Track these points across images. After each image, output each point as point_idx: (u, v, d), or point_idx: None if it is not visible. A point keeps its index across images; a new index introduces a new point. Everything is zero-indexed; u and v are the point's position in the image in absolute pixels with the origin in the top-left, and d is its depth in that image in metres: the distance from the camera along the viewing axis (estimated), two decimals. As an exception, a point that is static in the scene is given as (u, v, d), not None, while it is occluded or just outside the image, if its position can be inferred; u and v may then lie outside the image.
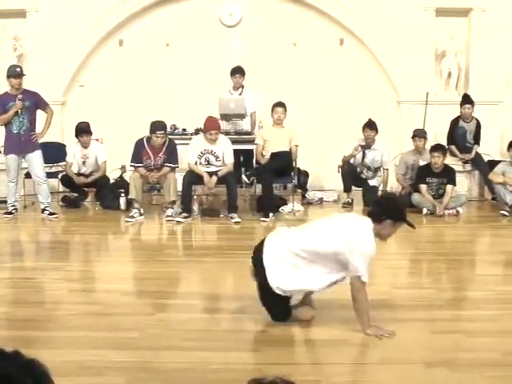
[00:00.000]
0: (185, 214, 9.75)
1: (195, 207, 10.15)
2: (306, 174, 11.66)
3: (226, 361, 4.43)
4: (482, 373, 4.23)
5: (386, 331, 4.85)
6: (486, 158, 11.81)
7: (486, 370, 4.25)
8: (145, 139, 10.06)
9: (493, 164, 11.16)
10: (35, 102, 9.95)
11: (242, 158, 10.85)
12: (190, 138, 10.45)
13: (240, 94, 11.19)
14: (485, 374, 4.21)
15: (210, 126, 9.87)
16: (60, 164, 11.34)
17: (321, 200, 11.39)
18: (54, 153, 11.34)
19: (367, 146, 10.99)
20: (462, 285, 6.65)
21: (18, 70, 9.91)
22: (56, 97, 12.33)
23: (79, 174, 10.97)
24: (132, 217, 9.74)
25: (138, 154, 10.06)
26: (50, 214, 10.04)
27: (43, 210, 10.06)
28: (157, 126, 9.92)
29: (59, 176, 11.27)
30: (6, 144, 10.01)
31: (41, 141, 10.10)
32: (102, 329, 5.07)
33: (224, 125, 10.83)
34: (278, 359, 4.48)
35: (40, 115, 10.17)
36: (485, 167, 11.47)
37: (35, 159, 10.02)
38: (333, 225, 5.16)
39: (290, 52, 12.65)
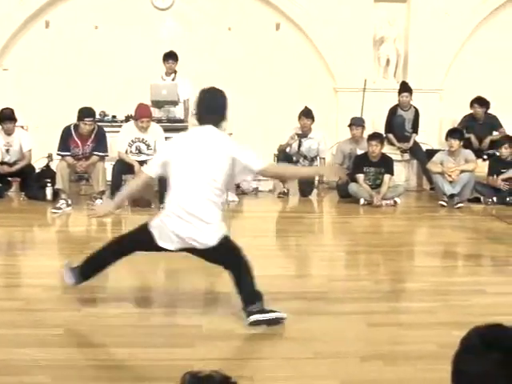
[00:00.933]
0: (114, 205, 9.38)
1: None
2: (240, 163, 11.37)
3: (156, 357, 4.32)
4: (417, 365, 4.26)
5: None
6: (424, 147, 11.73)
7: (422, 363, 4.26)
8: (72, 126, 9.78)
9: (431, 153, 11.10)
10: None
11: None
12: (120, 126, 10.25)
13: (173, 80, 10.93)
14: (420, 366, 4.23)
15: (142, 114, 9.68)
16: (-19, 152, 10.86)
17: (256, 190, 11.19)
18: (-24, 140, 10.90)
19: (303, 134, 10.83)
20: (399, 276, 6.67)
21: None
22: (-22, 81, 11.87)
23: (2, 163, 10.57)
24: (59, 208, 9.44)
25: (66, 142, 9.76)
26: None
27: None
28: (85, 113, 9.61)
29: (-20, 165, 10.79)
30: None
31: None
32: (26, 325, 4.92)
33: (156, 112, 10.57)
34: (209, 355, 4.38)
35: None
36: (423, 156, 11.40)
37: None
38: None
39: (225, 37, 12.37)
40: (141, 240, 5.13)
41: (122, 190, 5.22)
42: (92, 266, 5.23)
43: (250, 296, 4.90)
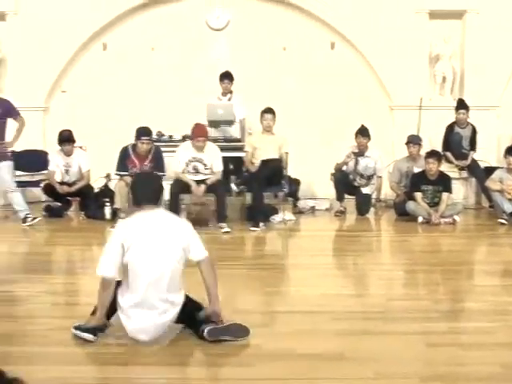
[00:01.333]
0: (172, 224, 9.41)
1: (183, 216, 9.84)
2: (297, 182, 11.41)
3: (210, 376, 4.25)
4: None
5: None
6: (482, 165, 11.58)
7: (483, 384, 4.14)
8: (130, 147, 9.82)
9: (489, 171, 10.92)
10: (6, 110, 9.72)
11: (231, 166, 10.61)
12: (177, 146, 10.20)
13: (229, 100, 10.97)
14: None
15: (198, 133, 9.64)
16: (42, 173, 11.07)
17: (313, 209, 11.19)
18: (36, 161, 11.19)
19: (360, 153, 10.76)
20: (458, 296, 6.49)
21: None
22: (38, 103, 12.15)
23: (62, 183, 10.69)
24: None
25: (124, 162, 9.82)
26: (33, 218, 9.84)
27: (24, 220, 9.76)
28: (142, 132, 9.67)
29: (41, 185, 11.00)
30: None
31: (21, 149, 9.83)
32: (85, 344, 4.84)
33: (212, 132, 10.58)
34: (269, 374, 4.33)
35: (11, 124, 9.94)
36: (481, 174, 11.24)
37: (3, 170, 9.80)
38: None
39: (280, 56, 12.39)
40: None
41: (99, 307, 4.91)
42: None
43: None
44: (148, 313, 4.80)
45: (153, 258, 4.82)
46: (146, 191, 5.08)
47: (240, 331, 4.86)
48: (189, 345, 4.87)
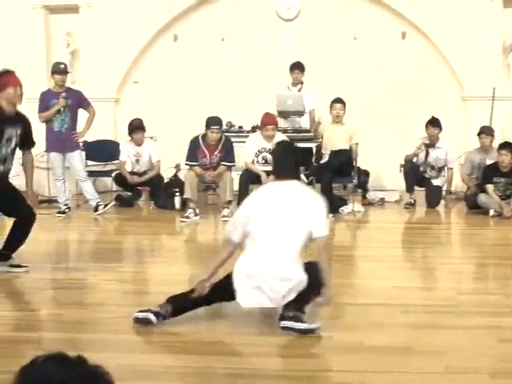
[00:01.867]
0: (241, 214, 9.46)
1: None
2: (366, 174, 11.34)
3: (283, 367, 4.34)
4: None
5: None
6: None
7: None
8: (200, 137, 9.89)
9: None
10: (78, 101, 9.93)
11: (300, 157, 10.57)
12: (247, 136, 10.28)
13: (299, 91, 10.93)
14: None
15: (267, 121, 9.71)
16: (113, 162, 11.21)
17: (382, 200, 11.11)
18: (108, 151, 11.33)
19: (431, 144, 10.64)
20: None
21: (62, 66, 9.98)
22: (109, 94, 12.31)
23: (133, 173, 10.82)
24: (187, 217, 9.58)
25: (194, 153, 9.89)
26: (105, 206, 10.05)
27: (96, 208, 9.92)
28: (212, 121, 9.74)
29: (112, 175, 11.18)
30: (48, 142, 9.95)
31: (93, 139, 9.99)
32: (154, 332, 4.93)
33: (282, 122, 10.56)
34: (338, 366, 4.34)
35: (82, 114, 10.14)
36: (557, 166, 10.97)
37: (75, 159, 10.02)
38: None
39: (350, 46, 12.30)
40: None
41: (212, 264, 5.11)
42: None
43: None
44: (261, 283, 4.82)
45: (275, 228, 4.88)
46: (286, 163, 5.23)
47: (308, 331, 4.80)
48: (255, 334, 4.91)
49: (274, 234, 4.86)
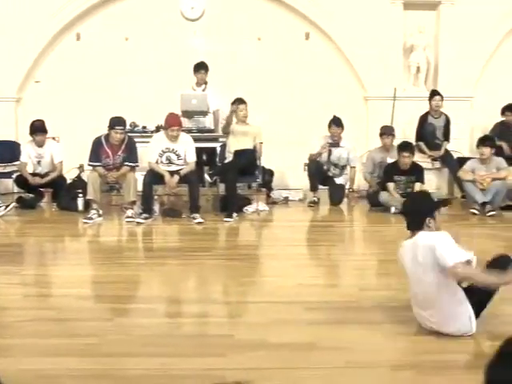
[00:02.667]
0: (145, 215, 9.46)
1: (156, 208, 9.90)
2: (270, 173, 11.43)
3: (187, 366, 4.32)
4: (448, 375, 4.20)
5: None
6: (455, 155, 11.62)
7: (453, 373, 4.22)
8: (103, 137, 9.79)
9: (462, 161, 10.97)
10: None
11: (204, 157, 10.60)
12: (151, 136, 10.18)
13: (203, 91, 10.94)
14: (451, 376, 4.18)
15: (171, 122, 9.62)
16: (14, 164, 10.97)
17: (286, 199, 11.16)
18: (8, 152, 11.11)
19: (334, 143, 10.77)
20: None
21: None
22: (10, 93, 12.04)
23: (34, 174, 10.58)
24: (90, 218, 9.44)
25: (97, 153, 9.78)
26: (6, 207, 9.86)
27: None
28: (115, 122, 9.64)
29: (13, 176, 10.94)
30: None
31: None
32: (59, 335, 4.91)
33: (186, 122, 10.52)
34: (242, 364, 4.35)
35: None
36: (454, 164, 11.28)
37: None
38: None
39: (255, 47, 12.34)
40: None
41: (491, 276, 4.68)
42: None
43: None
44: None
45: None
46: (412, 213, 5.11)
47: None
48: (157, 335, 4.91)
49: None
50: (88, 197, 9.70)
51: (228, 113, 10.39)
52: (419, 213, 4.99)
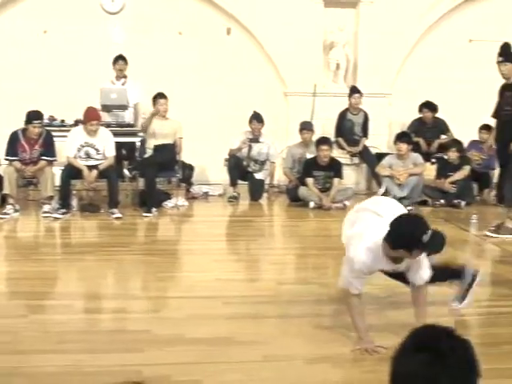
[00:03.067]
0: (63, 210, 9.35)
1: (74, 202, 9.77)
2: (190, 168, 11.41)
3: (104, 363, 4.27)
4: (363, 367, 4.27)
5: (373, 348, 4.48)
6: (373, 151, 11.78)
7: (368, 365, 4.26)
8: (20, 131, 9.61)
9: (380, 157, 11.13)
10: None
11: (123, 152, 10.53)
12: (69, 130, 10.03)
13: (123, 85, 10.86)
14: (366, 368, 4.24)
15: (90, 117, 9.53)
16: None
17: (206, 194, 11.17)
18: None
19: (254, 138, 10.80)
20: None
21: None
22: None
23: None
24: (6, 213, 9.27)
25: (13, 147, 9.58)
26: None
27: None
28: (33, 116, 9.45)
29: None
30: None
31: None
32: None
33: (105, 116, 10.43)
34: (159, 360, 4.34)
35: None
36: (372, 160, 11.43)
37: None
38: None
39: (175, 41, 12.27)
40: None
41: (358, 324, 4.63)
42: None
43: None
44: None
45: None
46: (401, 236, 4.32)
47: None
48: (76, 332, 4.85)
49: None
50: (4, 191, 9.53)
51: (149, 114, 10.32)
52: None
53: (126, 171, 10.17)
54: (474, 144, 11.39)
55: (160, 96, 10.18)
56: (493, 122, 9.21)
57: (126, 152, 10.64)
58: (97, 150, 9.57)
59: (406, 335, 2.06)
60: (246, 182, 10.98)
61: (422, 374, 1.92)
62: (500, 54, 8.15)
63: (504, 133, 8.32)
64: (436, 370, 1.92)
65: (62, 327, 4.92)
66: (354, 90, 11.63)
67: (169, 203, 10.14)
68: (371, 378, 4.08)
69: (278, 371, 4.22)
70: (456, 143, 10.83)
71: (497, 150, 8.69)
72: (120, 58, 10.89)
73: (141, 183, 10.07)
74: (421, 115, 11.76)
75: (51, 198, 9.50)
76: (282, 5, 12.08)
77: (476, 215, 8.96)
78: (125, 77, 10.94)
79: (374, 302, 5.33)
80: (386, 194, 10.74)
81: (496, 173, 10.81)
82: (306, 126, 11.05)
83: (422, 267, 4.61)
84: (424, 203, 10.55)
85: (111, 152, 9.64)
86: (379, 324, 4.95)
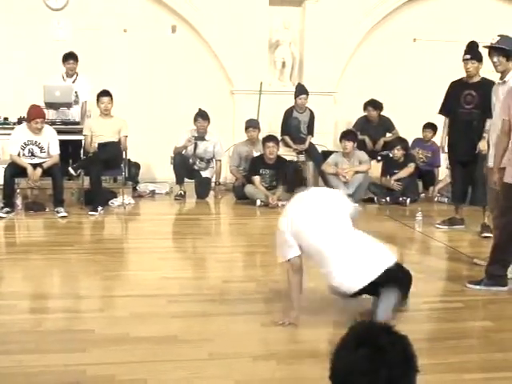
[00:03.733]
0: (7, 209, 9.24)
1: (18, 201, 9.60)
2: (137, 166, 11.37)
3: (48, 363, 4.23)
4: (310, 364, 4.25)
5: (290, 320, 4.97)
6: (319, 149, 11.82)
7: (314, 361, 4.22)
8: (-39, 130, 9.41)
9: (327, 154, 11.22)
10: None
11: (70, 149, 10.43)
12: (13, 128, 9.90)
13: (73, 82, 10.75)
14: (312, 365, 4.21)
15: (35, 115, 9.39)
16: None
17: (153, 192, 11.10)
18: None
19: (200, 136, 10.78)
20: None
21: None
22: None
23: None
24: (-52, 213, 9.09)
25: (-45, 146, 9.39)
26: None
27: None
28: (-25, 114, 9.29)
29: None
30: None
31: None
32: None
33: (51, 114, 10.31)
34: (102, 359, 4.32)
35: None
36: (318, 158, 11.49)
37: None
38: None
39: (120, 38, 12.18)
40: None
41: (293, 294, 5.10)
42: None
43: None
44: None
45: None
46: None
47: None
48: (20, 333, 4.79)
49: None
50: None
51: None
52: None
53: (70, 169, 10.02)
54: (418, 142, 11.51)
55: (103, 94, 10.10)
56: (439, 120, 9.23)
57: (71, 150, 10.52)
58: (41, 148, 9.45)
59: (346, 331, 2.08)
60: (193, 180, 10.93)
61: (362, 369, 1.96)
62: (467, 52, 8.21)
63: (466, 132, 8.34)
64: (376, 364, 1.96)
65: (6, 327, 4.86)
66: (300, 91, 11.63)
67: (115, 202, 10.06)
68: (316, 375, 4.08)
69: (225, 368, 4.21)
70: (401, 141, 10.94)
71: (453, 148, 8.68)
72: (70, 55, 10.77)
73: (86, 182, 9.98)
74: (366, 113, 11.85)
75: (-7, 196, 9.38)
76: (227, 2, 12.09)
77: (421, 212, 9.04)
78: (76, 74, 10.84)
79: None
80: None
81: (442, 171, 11.00)
82: (251, 124, 11.06)
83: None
84: (370, 200, 10.64)
85: (55, 150, 9.52)
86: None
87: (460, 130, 8.45)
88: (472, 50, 8.19)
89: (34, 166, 9.34)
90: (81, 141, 10.31)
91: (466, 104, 8.31)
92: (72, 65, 10.79)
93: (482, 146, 8.08)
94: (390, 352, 1.99)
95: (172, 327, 4.89)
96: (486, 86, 8.02)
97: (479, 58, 8.16)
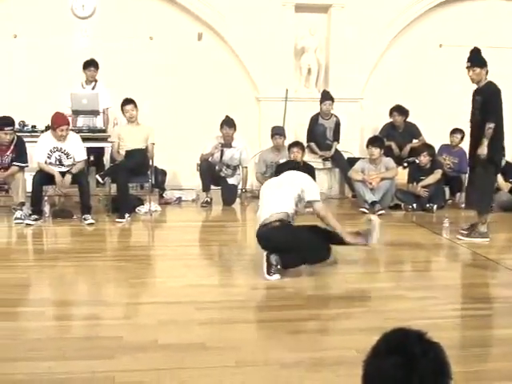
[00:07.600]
0: (35, 216, 9.27)
1: (46, 209, 9.65)
2: (163, 173, 11.39)
3: (76, 370, 4.22)
4: (338, 371, 4.24)
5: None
6: (345, 156, 11.81)
7: (342, 369, 4.25)
8: (-9, 137, 9.48)
9: (353, 161, 11.19)
10: None
11: (91, 158, 10.50)
12: (40, 136, 9.93)
13: (93, 89, 10.82)
14: (340, 372, 4.22)
15: (59, 122, 9.42)
16: None
17: (179, 199, 11.14)
18: None
19: (226, 143, 10.78)
20: (319, 283, 6.57)
21: None
22: None
23: None
24: (-23, 220, 9.16)
25: (-16, 153, 9.48)
26: None
27: None
28: (4, 122, 9.38)
29: None
30: None
31: None
32: None
33: (76, 121, 10.39)
34: (130, 366, 4.31)
35: None
36: (345, 164, 11.49)
37: None
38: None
39: (147, 46, 12.24)
40: None
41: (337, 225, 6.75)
42: None
43: None
44: None
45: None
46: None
47: None
48: (47, 339, 4.80)
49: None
50: (-24, 197, 9.48)
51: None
52: None
53: (97, 177, 10.06)
54: (445, 148, 11.45)
55: (126, 102, 10.17)
56: (466, 126, 9.24)
57: (93, 157, 10.57)
58: (67, 154, 9.49)
59: (378, 338, 2.08)
60: (219, 187, 10.95)
61: (395, 376, 1.95)
62: (467, 59, 8.22)
63: (473, 137, 8.40)
64: (408, 372, 1.95)
65: (33, 334, 4.88)
66: (325, 97, 11.64)
67: (142, 209, 10.11)
68: (346, 382, 4.08)
69: (252, 376, 4.20)
70: (427, 147, 10.90)
71: (469, 153, 8.76)
72: (90, 62, 10.85)
73: (113, 189, 10.02)
74: (392, 119, 11.81)
75: (23, 204, 9.41)
76: (253, 10, 12.12)
77: (448, 219, 8.99)
78: (95, 81, 10.91)
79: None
80: (355, 196, 10.85)
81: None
82: (277, 131, 11.06)
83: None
84: (396, 207, 10.60)
85: (82, 156, 9.58)
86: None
87: (471, 135, 8.53)
88: (473, 57, 8.20)
89: (62, 173, 9.39)
90: (104, 148, 10.35)
91: (474, 109, 8.33)
92: (93, 72, 10.88)
93: (479, 150, 8.07)
94: (422, 359, 1.99)
95: (199, 334, 4.88)
96: (486, 90, 8.06)
97: (481, 64, 8.16)
